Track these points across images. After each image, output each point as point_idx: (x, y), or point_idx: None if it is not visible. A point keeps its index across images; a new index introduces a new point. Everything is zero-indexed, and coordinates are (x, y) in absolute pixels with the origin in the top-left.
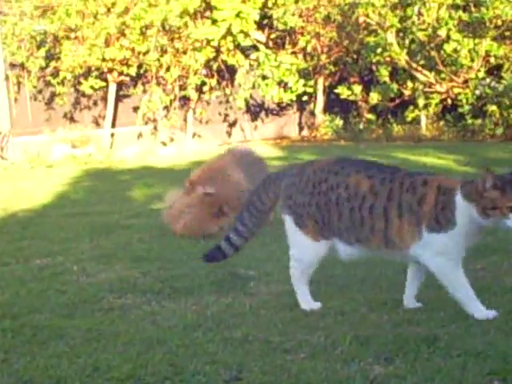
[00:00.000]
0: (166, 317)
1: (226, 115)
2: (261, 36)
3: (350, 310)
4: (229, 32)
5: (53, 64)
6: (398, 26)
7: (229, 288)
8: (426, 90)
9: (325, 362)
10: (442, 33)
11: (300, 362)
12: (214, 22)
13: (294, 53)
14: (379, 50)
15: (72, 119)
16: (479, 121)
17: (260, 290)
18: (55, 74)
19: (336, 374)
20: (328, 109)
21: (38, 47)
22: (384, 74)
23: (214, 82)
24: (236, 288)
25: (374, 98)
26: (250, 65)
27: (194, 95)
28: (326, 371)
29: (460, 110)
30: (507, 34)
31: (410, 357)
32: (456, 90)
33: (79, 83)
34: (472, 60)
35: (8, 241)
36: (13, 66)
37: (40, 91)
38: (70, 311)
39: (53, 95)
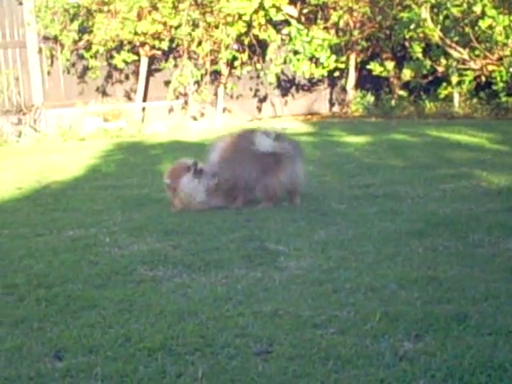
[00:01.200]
0: (197, 289)
1: (257, 90)
2: (293, 11)
3: (380, 286)
4: (261, 6)
5: (86, 37)
6: (433, 1)
7: (259, 262)
8: (460, 66)
9: (354, 338)
10: (477, 9)
11: (330, 336)
12: None
13: (326, 28)
14: (412, 26)
15: (104, 93)
16: None
17: (289, 264)
18: (88, 47)
19: (366, 349)
20: (359, 85)
21: (71, 20)
22: (417, 50)
23: (245, 56)
24: (266, 262)
25: (407, 74)
26: (282, 40)
27: (224, 70)
28: (356, 347)
29: (494, 87)
30: None
31: (440, 334)
32: (490, 68)
33: (111, 57)
34: (507, 37)
35: (41, 212)
36: (46, 39)
37: (73, 64)
38: (103, 282)
39: (85, 69)
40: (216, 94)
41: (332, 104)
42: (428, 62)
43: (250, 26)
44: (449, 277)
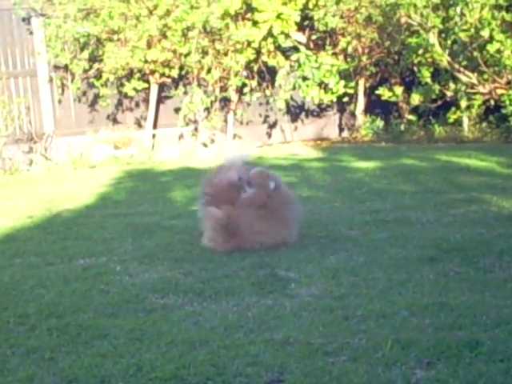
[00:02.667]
0: (208, 317)
1: (267, 116)
2: (301, 37)
3: (391, 313)
4: (269, 33)
5: (96, 66)
6: (440, 26)
7: (269, 290)
8: (469, 91)
9: (366, 365)
10: (485, 33)
11: (341, 364)
12: (255, 23)
13: (334, 54)
14: (421, 51)
15: (115, 120)
16: None
17: (300, 291)
18: (98, 75)
19: (377, 377)
20: (369, 110)
21: (82, 49)
22: (426, 75)
23: (254, 83)
24: (276, 290)
25: (416, 99)
26: (291, 66)
27: (234, 97)
28: (368, 374)
29: (503, 111)
30: None
31: (452, 361)
32: (499, 91)
33: (122, 85)
34: None
35: (52, 241)
36: (57, 67)
37: (84, 93)
38: (114, 311)
39: (96, 97)
40: (226, 121)
41: (341, 129)
42: (437, 87)
43: (258, 52)
44: (460, 303)
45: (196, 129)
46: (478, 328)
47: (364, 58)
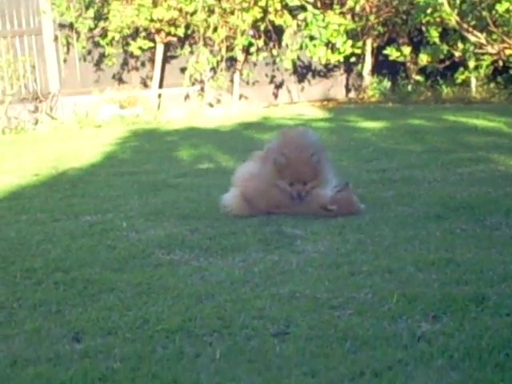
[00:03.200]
0: (214, 273)
1: (273, 76)
2: None
3: (398, 268)
4: None
5: (101, 24)
6: None
7: (276, 246)
8: (477, 51)
9: (372, 319)
10: None
11: (347, 318)
12: None
13: (342, 13)
14: (429, 11)
15: (120, 80)
16: None
17: (307, 248)
18: (104, 34)
19: (383, 330)
20: (376, 70)
21: (87, 7)
22: (434, 34)
23: (260, 42)
24: (283, 246)
25: (424, 59)
26: (298, 25)
27: (240, 56)
28: (373, 327)
29: (511, 71)
30: None
31: (457, 315)
32: (508, 52)
33: (127, 44)
34: None
35: (59, 198)
36: (62, 26)
37: (89, 52)
38: (120, 266)
39: (101, 56)
40: (232, 81)
41: (348, 90)
42: (445, 47)
43: (265, 11)
44: (466, 259)
45: (202, 89)
46: (485, 283)
47: (372, 18)
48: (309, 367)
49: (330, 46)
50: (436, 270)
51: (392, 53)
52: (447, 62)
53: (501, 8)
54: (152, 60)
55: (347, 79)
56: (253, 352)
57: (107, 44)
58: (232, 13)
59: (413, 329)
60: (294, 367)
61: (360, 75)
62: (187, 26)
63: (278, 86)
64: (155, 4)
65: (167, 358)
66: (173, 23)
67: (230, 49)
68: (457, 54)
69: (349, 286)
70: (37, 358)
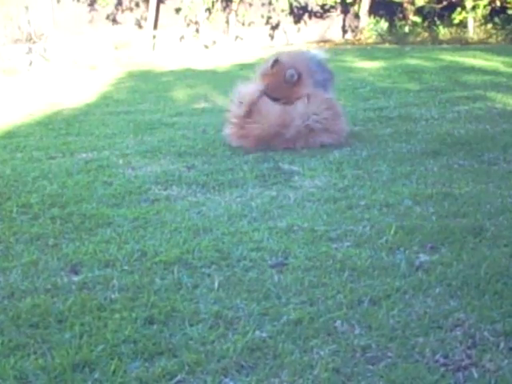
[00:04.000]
0: (212, 207)
1: (269, 18)
2: None
3: (395, 202)
4: None
5: None
6: None
7: (273, 182)
8: None
9: (370, 250)
10: None
11: (345, 249)
12: None
13: None
14: None
15: (114, 21)
16: None
17: (304, 183)
18: None
19: (381, 260)
20: (373, 11)
21: None
22: None
23: None
24: (280, 182)
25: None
26: None
27: None
28: (371, 258)
29: (509, 12)
30: None
31: (455, 246)
32: None
33: None
34: None
35: (54, 136)
36: None
37: None
38: (117, 201)
39: None
40: (227, 22)
41: (345, 31)
42: None
43: None
44: (464, 193)
45: (197, 30)
46: (482, 215)
47: None
48: (307, 296)
49: None
50: (434, 203)
51: None
52: (444, 3)
53: None
54: (146, 0)
55: (344, 20)
56: (251, 282)
57: None
58: None
59: (411, 259)
60: (292, 296)
61: (357, 16)
62: None
63: (274, 28)
64: None
65: (165, 288)
66: None
67: None
68: None
69: (346, 220)
70: (34, 289)
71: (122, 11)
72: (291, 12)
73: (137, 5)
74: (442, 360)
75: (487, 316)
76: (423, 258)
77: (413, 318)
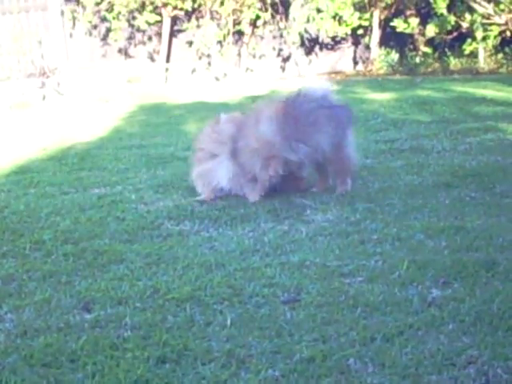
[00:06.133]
0: (224, 242)
1: (280, 50)
2: None
3: (407, 236)
4: None
5: None
6: None
7: (285, 216)
8: (485, 21)
9: (382, 286)
10: None
11: (357, 285)
12: None
13: None
14: None
15: (127, 54)
16: None
17: (316, 217)
18: (110, 8)
19: (394, 296)
20: (383, 42)
21: None
22: (441, 5)
23: (267, 16)
24: (292, 216)
25: (431, 30)
26: None
27: (247, 30)
28: (384, 294)
29: None
30: None
31: (468, 281)
32: None
33: (134, 18)
34: None
35: (67, 171)
36: (68, 1)
37: (95, 26)
38: (130, 237)
39: (108, 30)
40: (239, 55)
41: (356, 62)
42: (452, 18)
43: None
44: (476, 226)
45: (209, 63)
46: (495, 249)
47: None
48: (320, 333)
49: (338, 19)
50: (446, 237)
51: (399, 25)
52: (455, 33)
53: None
54: (159, 34)
55: (355, 52)
56: (263, 319)
57: (114, 18)
58: None
59: (423, 295)
60: (304, 333)
61: (367, 47)
62: (194, 0)
63: (286, 60)
64: None
65: (178, 326)
66: None
67: (237, 22)
68: (464, 24)
69: (359, 254)
70: (47, 327)
71: (135, 45)
72: (302, 44)
73: (149, 38)
74: None
75: (500, 353)
76: (436, 293)
77: (426, 355)
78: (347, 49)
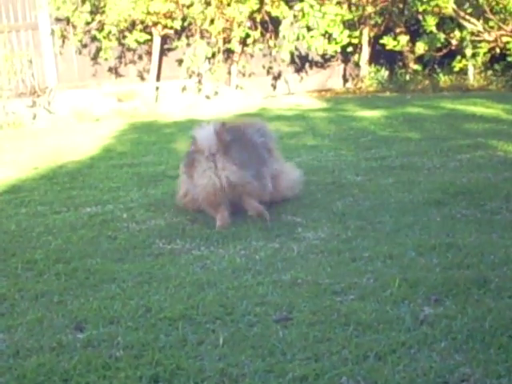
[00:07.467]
0: (216, 261)
1: (270, 68)
2: None
3: (399, 254)
4: None
5: (98, 18)
6: None
7: (276, 234)
8: (474, 38)
9: (374, 304)
10: None
11: (349, 303)
12: None
13: (338, 3)
14: None
15: (117, 73)
16: None
17: (307, 235)
18: (100, 28)
19: (386, 314)
20: (373, 60)
21: (83, 1)
22: (431, 23)
23: (257, 34)
24: (283, 234)
25: (421, 48)
26: (295, 16)
27: (237, 48)
28: (376, 312)
29: (509, 59)
30: None
31: (460, 298)
32: (504, 39)
33: (124, 37)
34: None
35: (58, 190)
36: (58, 20)
37: (85, 46)
38: (121, 256)
39: (98, 50)
40: (229, 73)
41: (346, 80)
42: (442, 35)
43: (262, 2)
44: (467, 243)
45: (199, 81)
46: (486, 266)
47: (368, 7)
48: (312, 352)
49: (327, 37)
50: (437, 254)
51: (389, 42)
52: (444, 51)
53: None
54: (149, 53)
55: (345, 69)
56: (256, 338)
57: (104, 37)
58: (229, 4)
59: (415, 312)
60: (297, 352)
61: (357, 65)
62: (184, 19)
63: (276, 77)
64: None
65: (170, 345)
66: (169, 16)
67: (226, 40)
68: (454, 42)
69: (350, 272)
70: (39, 347)
71: (125, 64)
72: (292, 62)
73: (139, 57)
74: None
75: (493, 370)
76: (428, 311)
77: (418, 373)
78: (337, 66)
